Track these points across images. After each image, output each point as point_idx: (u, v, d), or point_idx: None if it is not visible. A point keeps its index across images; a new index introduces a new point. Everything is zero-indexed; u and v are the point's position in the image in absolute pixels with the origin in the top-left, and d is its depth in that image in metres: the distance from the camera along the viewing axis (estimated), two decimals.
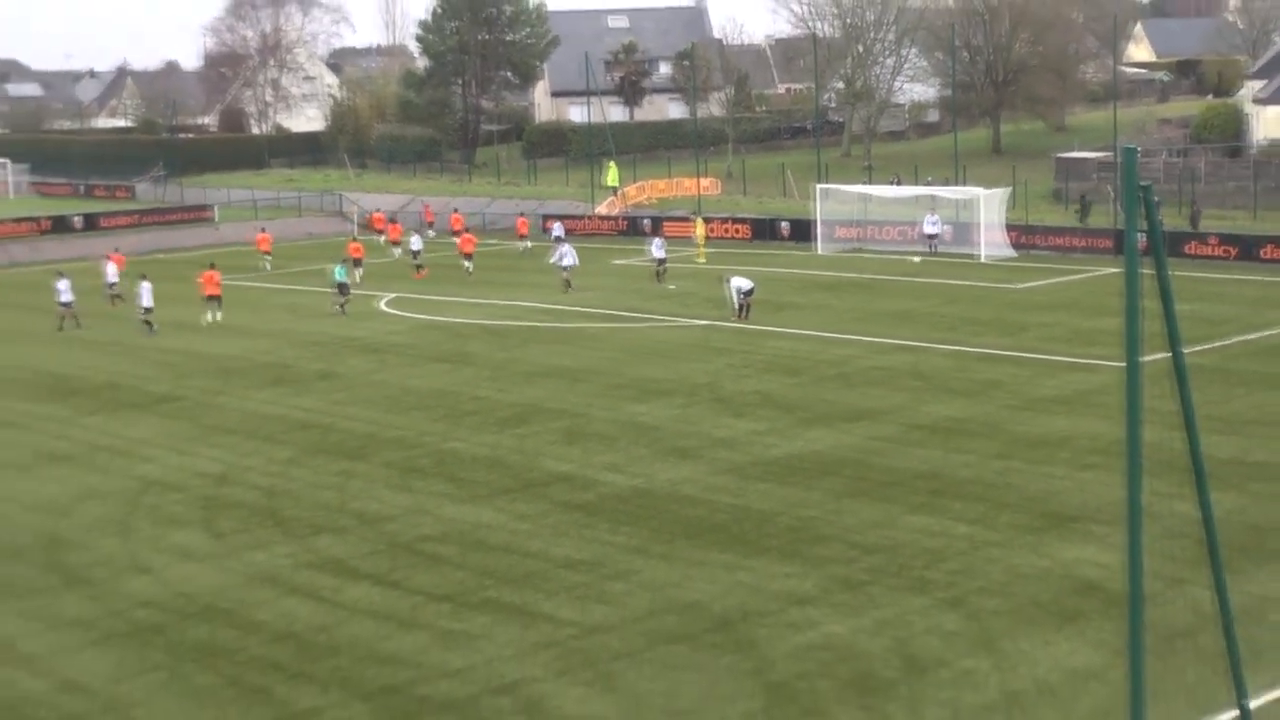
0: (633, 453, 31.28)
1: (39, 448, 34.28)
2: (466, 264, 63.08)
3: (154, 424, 36.31)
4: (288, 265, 68.37)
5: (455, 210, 78.83)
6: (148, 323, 50.44)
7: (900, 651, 19.90)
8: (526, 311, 52.13)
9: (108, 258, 60.46)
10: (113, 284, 57.88)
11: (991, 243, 62.10)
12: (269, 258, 69.31)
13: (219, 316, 51.76)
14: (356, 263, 62.43)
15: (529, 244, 71.79)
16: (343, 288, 53.53)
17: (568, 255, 57.41)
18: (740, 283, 48.57)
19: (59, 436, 35.39)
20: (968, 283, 55.37)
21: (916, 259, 60.93)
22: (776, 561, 23.78)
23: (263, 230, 73.98)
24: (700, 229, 67.42)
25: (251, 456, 32.50)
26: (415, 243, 66.68)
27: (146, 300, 50.61)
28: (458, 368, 41.96)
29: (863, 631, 20.66)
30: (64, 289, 52.65)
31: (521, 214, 78.56)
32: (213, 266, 53.68)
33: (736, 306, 48.10)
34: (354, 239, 68.11)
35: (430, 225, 79.32)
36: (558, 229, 71.28)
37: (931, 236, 63.27)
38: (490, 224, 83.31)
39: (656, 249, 58.80)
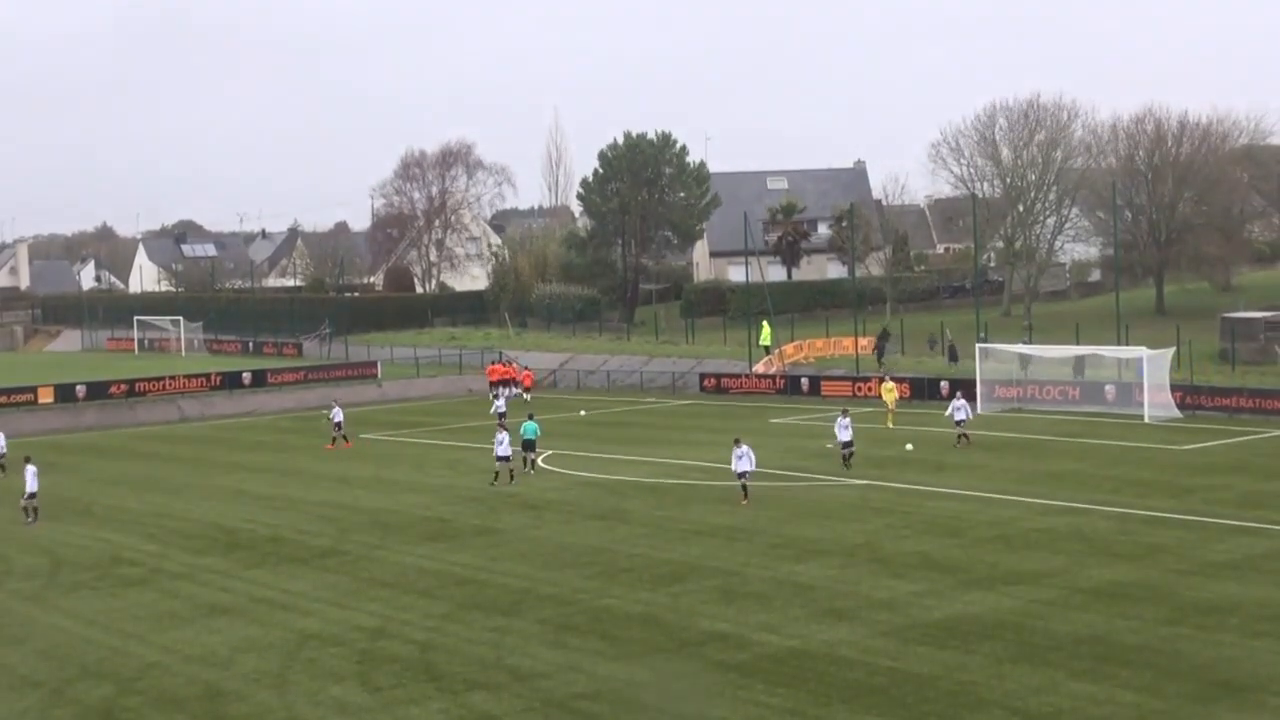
0: (789, 613, 30.92)
1: (201, 599, 34.80)
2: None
3: (314, 577, 36.73)
4: (447, 421, 69.17)
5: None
6: (26, 509, 46.14)
7: None
8: (686, 470, 52.12)
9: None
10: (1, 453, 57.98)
11: (1156, 403, 61.03)
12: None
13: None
14: (505, 384, 73.28)
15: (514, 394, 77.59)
16: (527, 445, 51.83)
17: (503, 444, 50.06)
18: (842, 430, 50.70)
19: (221, 589, 35.91)
20: (1132, 444, 54.35)
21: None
22: None
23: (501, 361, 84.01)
24: (892, 393, 64.07)
25: (408, 611, 32.68)
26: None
27: (31, 485, 46.13)
28: (614, 525, 41.98)
29: None
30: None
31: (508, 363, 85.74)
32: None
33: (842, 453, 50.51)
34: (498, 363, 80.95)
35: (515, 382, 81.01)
36: (501, 404, 68.54)
37: (959, 422, 55.35)
38: (648, 382, 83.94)
39: (841, 430, 50.83)
